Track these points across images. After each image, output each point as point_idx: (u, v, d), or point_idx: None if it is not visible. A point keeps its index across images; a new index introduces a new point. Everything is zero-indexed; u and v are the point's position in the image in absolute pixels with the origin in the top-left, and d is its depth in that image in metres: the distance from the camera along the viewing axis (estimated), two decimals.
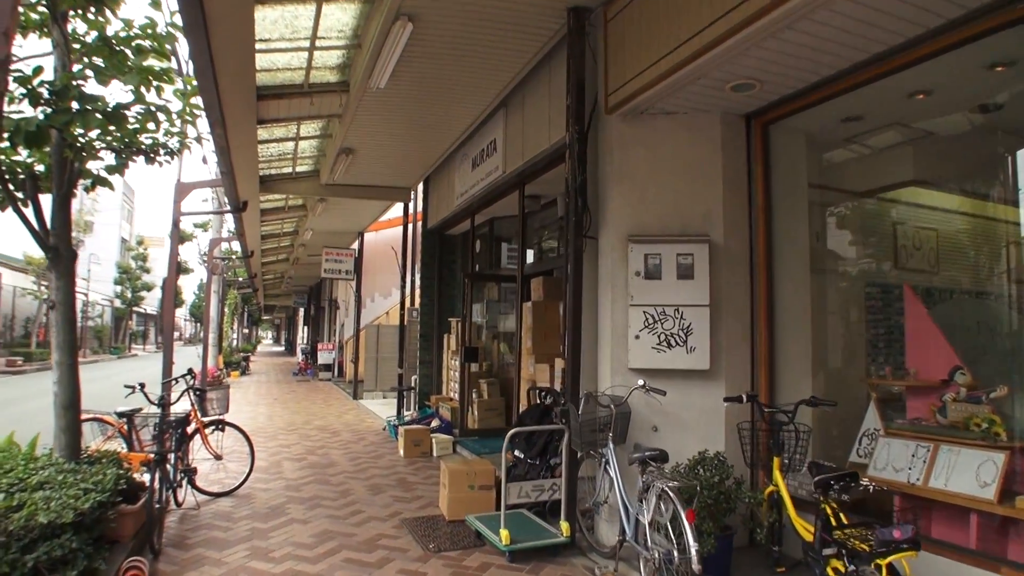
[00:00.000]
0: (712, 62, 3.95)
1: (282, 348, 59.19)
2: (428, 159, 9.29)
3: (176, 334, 72.48)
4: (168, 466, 5.00)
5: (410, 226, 12.74)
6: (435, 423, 9.04)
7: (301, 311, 38.40)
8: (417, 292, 11.60)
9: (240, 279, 25.50)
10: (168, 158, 5.48)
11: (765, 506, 4.10)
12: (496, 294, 10.15)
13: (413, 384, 10.90)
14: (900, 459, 3.98)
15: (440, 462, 5.90)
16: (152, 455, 4.62)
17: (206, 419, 6.05)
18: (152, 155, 5.34)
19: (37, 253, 25.95)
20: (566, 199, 5.04)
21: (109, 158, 5.07)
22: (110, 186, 5.17)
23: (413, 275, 15.78)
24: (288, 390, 17.51)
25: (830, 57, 3.86)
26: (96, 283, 38.51)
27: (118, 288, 40.71)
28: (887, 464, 4.05)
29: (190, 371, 6.08)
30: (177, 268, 9.34)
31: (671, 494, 3.49)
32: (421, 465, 7.58)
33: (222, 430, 6.16)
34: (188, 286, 52.83)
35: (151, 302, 48.33)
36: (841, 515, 3.20)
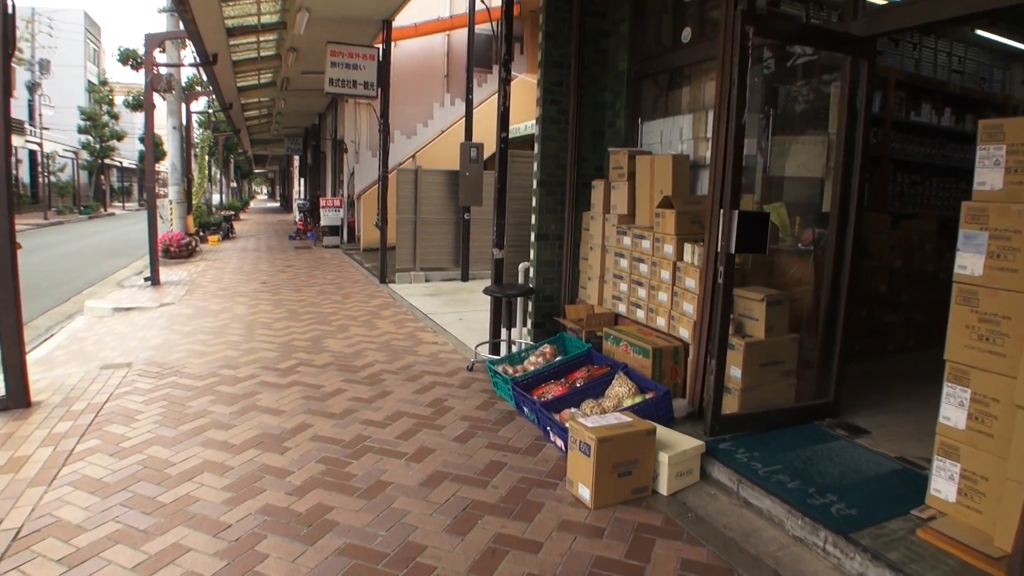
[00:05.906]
0: None
1: (277, 204, 53.47)
2: None
3: (162, 190, 65.54)
4: None
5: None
6: (621, 387, 3.89)
7: (296, 160, 32.42)
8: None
9: (212, 112, 19.47)
10: None
11: None
12: (759, 96, 4.57)
13: (529, 281, 5.65)
14: None
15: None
16: None
17: None
18: None
19: None
20: None
21: None
22: None
23: (470, 90, 10.10)
24: (283, 264, 12.33)
25: None
26: (57, 132, 31.71)
27: (84, 138, 33.64)
28: None
29: None
30: (4, 37, 3.88)
31: None
32: (662, 560, 2.54)
33: None
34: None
35: (130, 154, 41.40)
36: None
